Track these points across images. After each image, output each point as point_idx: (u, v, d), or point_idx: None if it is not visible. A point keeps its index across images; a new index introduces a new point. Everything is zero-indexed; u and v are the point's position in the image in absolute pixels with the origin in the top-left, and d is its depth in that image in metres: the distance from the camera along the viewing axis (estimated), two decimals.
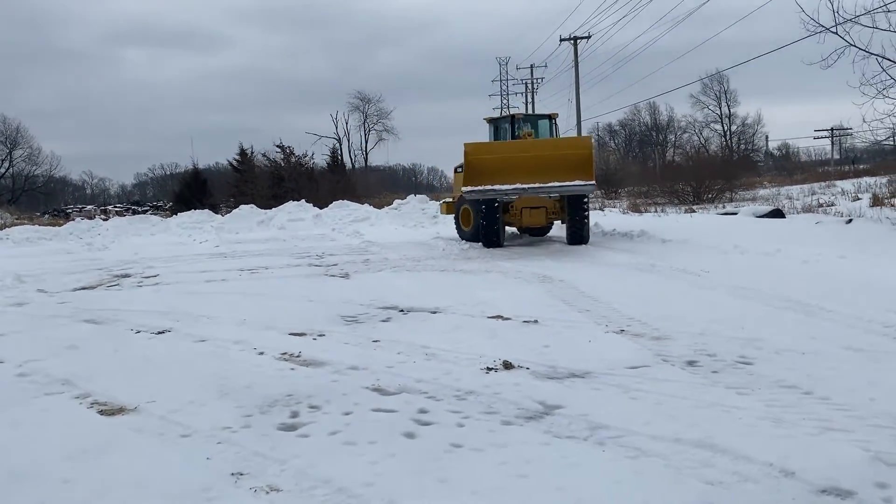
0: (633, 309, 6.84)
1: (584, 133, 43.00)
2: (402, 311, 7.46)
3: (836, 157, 73.31)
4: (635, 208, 23.76)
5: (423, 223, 23.56)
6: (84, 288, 10.61)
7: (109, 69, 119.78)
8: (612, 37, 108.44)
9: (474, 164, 12.94)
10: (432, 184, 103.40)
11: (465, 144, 13.20)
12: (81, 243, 21.56)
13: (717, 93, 75.36)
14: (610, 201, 31.55)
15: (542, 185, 12.68)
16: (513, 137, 15.20)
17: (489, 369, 4.99)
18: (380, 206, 25.90)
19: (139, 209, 52.61)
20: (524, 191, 12.84)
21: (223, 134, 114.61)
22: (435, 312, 7.26)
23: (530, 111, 59.02)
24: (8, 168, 59.83)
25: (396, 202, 25.16)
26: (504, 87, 76.15)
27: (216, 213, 27.75)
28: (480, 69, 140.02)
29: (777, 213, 15.77)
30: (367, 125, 62.06)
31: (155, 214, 33.38)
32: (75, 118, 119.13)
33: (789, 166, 61.63)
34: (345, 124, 62.07)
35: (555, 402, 4.22)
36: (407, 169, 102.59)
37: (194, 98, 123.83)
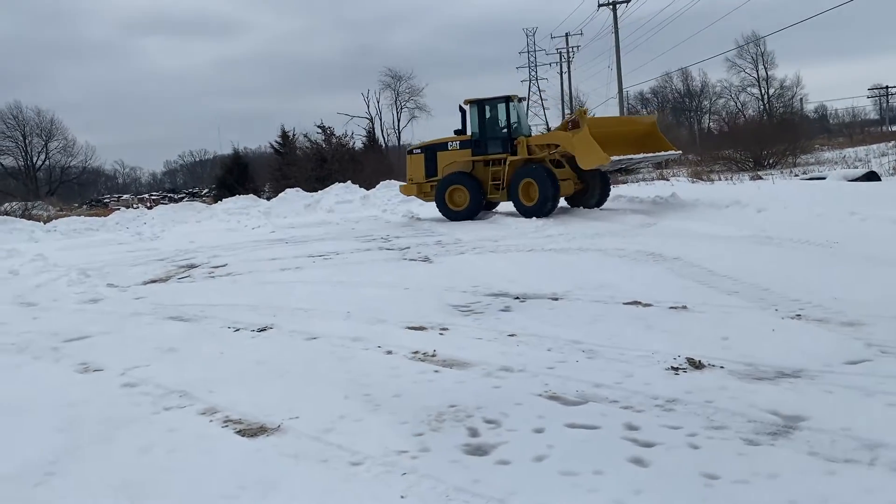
0: (789, 289, 6.04)
1: (624, 101, 41.85)
2: (516, 298, 6.74)
3: (876, 117, 70.76)
4: (697, 175, 22.72)
5: None
6: (154, 281, 10.06)
7: (130, 59, 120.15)
8: (646, 3, 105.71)
9: (596, 138, 14.22)
10: None
11: (590, 119, 15.14)
12: (130, 233, 21.19)
13: (754, 55, 72.91)
14: (666, 170, 30.47)
15: (654, 154, 15.17)
16: (508, 120, 15.94)
17: (675, 369, 4.26)
18: None
19: (175, 196, 52.50)
20: (645, 160, 15.27)
21: (247, 119, 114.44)
22: (556, 299, 6.54)
23: (566, 81, 57.72)
24: (44, 160, 60.15)
25: None
26: (532, 59, 74.58)
27: (259, 197, 27.25)
28: (505, 41, 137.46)
29: (872, 176, 14.71)
30: (399, 103, 60.96)
31: (192, 201, 33.06)
32: (101, 109, 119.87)
33: (836, 128, 59.49)
34: (376, 103, 60.94)
35: (791, 412, 3.48)
36: None
37: (214, 84, 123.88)
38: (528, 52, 73.51)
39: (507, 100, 16.13)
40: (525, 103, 17.51)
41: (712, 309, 5.65)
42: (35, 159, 59.83)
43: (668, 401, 3.77)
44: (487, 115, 16.17)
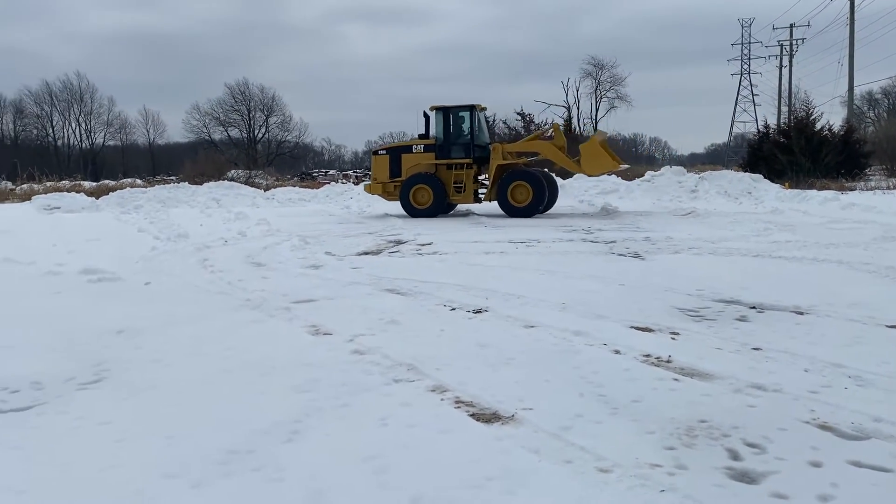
0: None
1: (855, 100, 37.77)
2: (752, 307, 6.12)
3: None
4: None
5: (680, 197, 21.67)
6: (367, 253, 10.48)
7: (332, 44, 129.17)
8: None
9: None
10: (653, 155, 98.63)
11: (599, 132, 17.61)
12: (339, 206, 22.47)
13: None
14: (892, 180, 27.18)
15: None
16: (472, 128, 17.13)
17: None
18: (629, 178, 24.24)
19: None
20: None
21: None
22: (801, 313, 5.84)
23: (785, 76, 53.16)
24: (264, 133, 65.90)
25: (649, 174, 23.36)
26: (746, 51, 69.57)
27: None
28: (711, 32, 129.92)
29: None
30: (598, 92, 59.57)
31: None
32: (309, 89, 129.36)
33: None
34: (575, 92, 59.93)
35: None
36: (627, 139, 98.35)
37: (411, 70, 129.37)
38: (742, 43, 68.74)
39: (472, 108, 17.19)
40: (485, 113, 18.58)
41: None
42: (256, 132, 65.77)
43: None
44: (451, 121, 17.15)
